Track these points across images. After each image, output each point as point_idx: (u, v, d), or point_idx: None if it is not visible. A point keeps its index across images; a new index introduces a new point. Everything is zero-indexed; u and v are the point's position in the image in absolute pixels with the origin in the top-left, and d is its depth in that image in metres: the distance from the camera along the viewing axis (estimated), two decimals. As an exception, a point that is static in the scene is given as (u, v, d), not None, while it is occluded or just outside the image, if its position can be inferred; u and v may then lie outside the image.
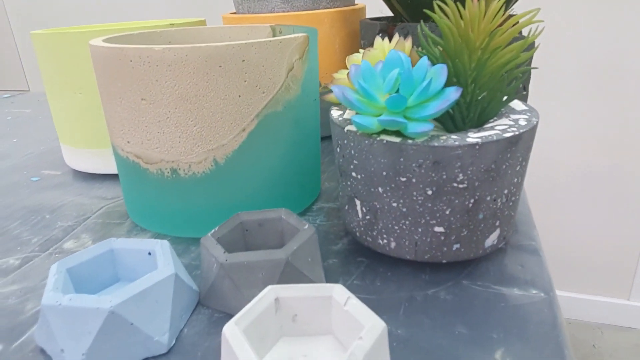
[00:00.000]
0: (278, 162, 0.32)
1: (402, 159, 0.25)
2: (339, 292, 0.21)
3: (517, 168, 0.27)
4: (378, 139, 0.26)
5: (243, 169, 0.31)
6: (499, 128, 0.26)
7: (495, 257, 0.29)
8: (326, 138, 0.54)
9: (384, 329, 0.19)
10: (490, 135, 0.25)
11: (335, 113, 0.30)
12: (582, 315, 1.33)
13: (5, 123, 0.69)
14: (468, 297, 0.26)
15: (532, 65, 1.06)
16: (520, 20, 0.26)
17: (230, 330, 0.19)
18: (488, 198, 0.26)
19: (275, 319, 0.22)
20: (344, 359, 0.18)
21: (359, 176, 0.28)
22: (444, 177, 0.25)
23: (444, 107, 0.25)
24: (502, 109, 0.30)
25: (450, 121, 0.29)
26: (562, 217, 1.23)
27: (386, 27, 0.43)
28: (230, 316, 0.26)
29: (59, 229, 0.36)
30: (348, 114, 0.30)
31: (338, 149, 0.29)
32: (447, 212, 0.26)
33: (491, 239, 0.28)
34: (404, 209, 0.27)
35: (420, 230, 0.27)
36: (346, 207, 0.30)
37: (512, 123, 0.27)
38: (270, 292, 0.22)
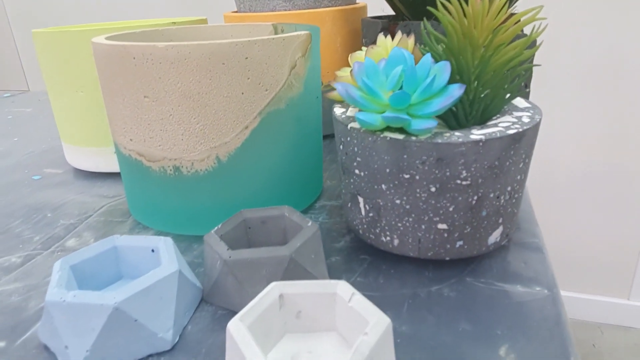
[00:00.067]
0: (280, 160, 0.32)
1: (405, 156, 0.25)
2: (343, 288, 0.21)
3: (521, 165, 0.27)
4: (381, 136, 0.26)
5: (246, 166, 0.31)
6: (503, 125, 0.26)
7: (498, 255, 0.29)
8: (327, 137, 0.54)
9: (389, 324, 0.19)
10: (493, 132, 0.25)
11: (338, 110, 0.30)
12: (582, 315, 1.33)
13: (6, 122, 0.69)
14: (471, 294, 0.26)
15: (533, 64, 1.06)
16: (524, 18, 0.26)
17: (235, 327, 0.19)
18: (491, 195, 0.26)
19: (280, 316, 0.22)
20: (349, 355, 0.18)
21: (362, 173, 0.28)
22: (448, 174, 0.25)
23: (448, 104, 0.25)
24: (505, 107, 0.30)
25: (453, 118, 0.29)
26: (561, 217, 1.23)
27: (388, 26, 0.43)
28: (234, 313, 0.26)
29: (61, 227, 0.36)
30: (351, 112, 0.30)
31: (341, 146, 0.29)
32: (451, 209, 0.26)
33: (494, 236, 0.28)
34: (408, 206, 0.27)
35: (423, 227, 0.27)
36: (349, 205, 0.30)
37: (515, 120, 0.27)
38: (275, 289, 0.22)
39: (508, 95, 0.28)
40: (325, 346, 0.22)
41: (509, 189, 0.27)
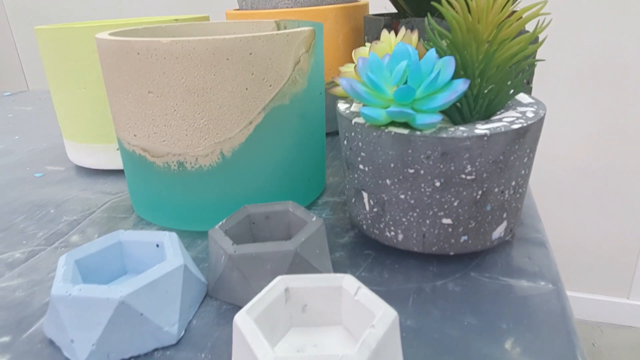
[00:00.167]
0: (284, 156, 0.32)
1: (410, 151, 0.25)
2: (349, 282, 0.21)
3: (525, 160, 0.27)
4: (386, 130, 0.26)
5: (250, 162, 0.31)
6: (507, 120, 0.26)
7: (502, 250, 0.29)
8: (329, 134, 0.54)
9: (396, 317, 0.19)
10: (498, 126, 0.25)
11: (342, 106, 0.30)
12: (581, 314, 1.33)
13: (7, 120, 0.69)
14: (476, 288, 0.26)
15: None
16: (528, 13, 0.26)
17: (242, 319, 0.19)
18: (496, 190, 0.26)
19: (285, 310, 0.22)
20: (357, 347, 0.18)
21: (366, 168, 0.28)
22: (452, 168, 0.25)
23: (452, 99, 0.25)
24: (509, 102, 0.30)
25: (457, 113, 0.29)
26: (561, 216, 1.23)
27: (390, 23, 0.43)
28: (239, 308, 0.26)
29: (64, 223, 0.36)
30: (355, 107, 0.30)
31: (345, 142, 0.29)
32: (455, 204, 0.26)
33: (498, 231, 0.28)
34: (412, 201, 0.27)
35: (428, 222, 0.27)
36: (353, 200, 0.30)
37: (519, 115, 0.27)
38: (280, 283, 0.22)
39: (512, 90, 0.28)
40: (331, 340, 0.22)
41: (513, 183, 0.27)
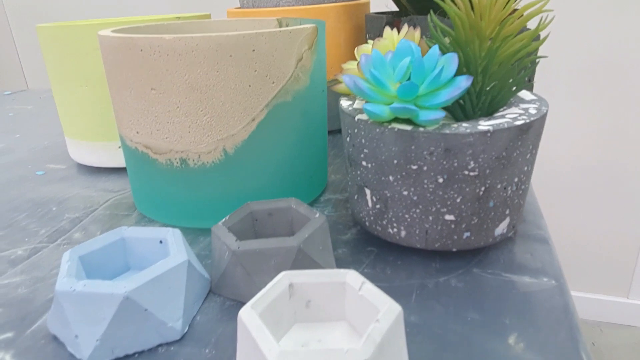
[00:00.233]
0: (287, 153, 0.32)
1: (413, 147, 0.25)
2: (353, 277, 0.21)
3: (528, 156, 0.27)
4: (389, 127, 0.26)
5: (252, 159, 0.31)
6: (510, 116, 0.26)
7: (504, 246, 0.29)
8: (331, 132, 0.54)
9: (400, 312, 0.19)
10: (501, 123, 0.25)
11: (345, 103, 0.30)
12: (581, 313, 1.33)
13: (7, 119, 0.69)
14: (479, 284, 0.26)
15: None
16: (530, 10, 0.26)
17: (247, 314, 0.19)
18: (499, 186, 0.26)
19: (289, 305, 0.22)
20: (362, 341, 0.18)
21: (369, 165, 0.28)
22: (456, 164, 0.25)
23: (455, 95, 0.25)
24: (511, 99, 0.30)
25: (460, 110, 0.29)
26: (560, 215, 1.23)
27: (392, 21, 0.43)
28: (242, 304, 0.26)
29: (66, 221, 0.36)
30: (358, 104, 0.30)
31: (348, 139, 0.29)
32: (458, 200, 0.26)
33: (501, 228, 0.28)
34: (415, 197, 0.27)
35: (431, 218, 0.27)
36: (355, 197, 0.30)
37: (522, 112, 0.27)
38: (284, 278, 0.22)
39: (514, 87, 0.28)
40: (335, 335, 0.22)
41: (516, 180, 0.27)
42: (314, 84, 0.33)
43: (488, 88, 0.28)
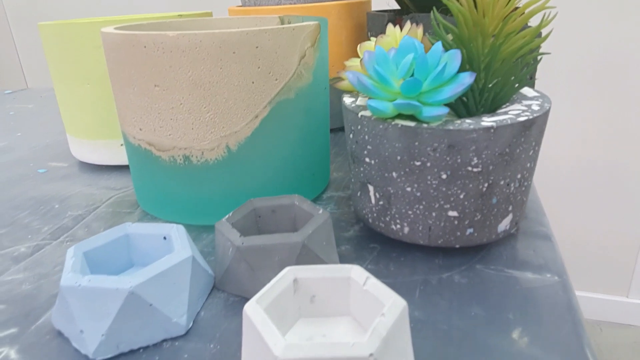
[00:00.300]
0: (290, 150, 0.33)
1: (417, 143, 0.25)
2: (357, 272, 0.22)
3: (530, 153, 0.27)
4: (393, 123, 0.26)
5: (255, 156, 0.31)
6: (513, 113, 0.26)
7: (507, 243, 0.30)
8: (332, 130, 0.54)
9: (405, 306, 0.19)
10: (504, 119, 0.25)
11: (347, 100, 0.30)
12: (581, 312, 1.33)
13: (8, 118, 0.69)
14: (482, 280, 0.26)
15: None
16: (533, 7, 0.27)
17: (252, 309, 0.19)
18: (502, 182, 0.26)
19: (294, 300, 0.22)
20: (367, 335, 0.18)
21: (372, 161, 0.28)
22: (459, 160, 0.25)
23: (459, 92, 0.25)
24: (514, 96, 0.30)
25: (462, 107, 0.29)
26: (560, 214, 1.23)
27: (394, 19, 0.43)
28: (246, 300, 0.26)
29: (69, 218, 0.36)
30: (361, 101, 0.30)
31: (351, 135, 0.29)
32: (461, 197, 0.26)
33: (504, 224, 0.28)
34: (418, 194, 0.27)
35: (434, 214, 0.27)
36: (358, 194, 0.30)
37: (525, 108, 0.27)
38: (289, 273, 0.22)
39: (517, 84, 0.29)
40: (339, 330, 0.22)
41: (519, 176, 0.27)
42: (316, 81, 0.33)
43: (490, 85, 0.28)
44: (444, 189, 0.26)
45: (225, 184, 0.32)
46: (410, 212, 0.28)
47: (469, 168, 0.25)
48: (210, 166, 0.31)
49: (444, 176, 0.26)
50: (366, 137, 0.27)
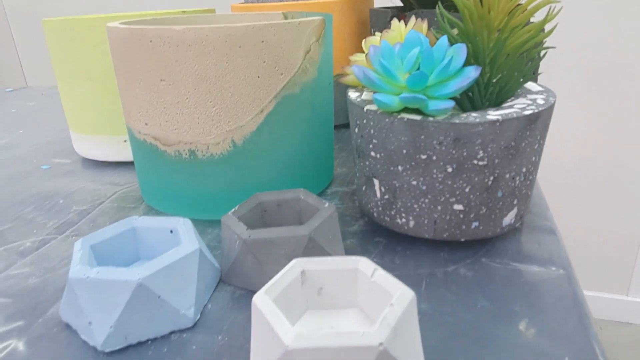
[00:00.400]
0: (295, 145, 0.33)
1: (423, 137, 0.26)
2: (365, 264, 0.22)
3: (536, 146, 0.27)
4: (399, 117, 0.26)
5: (260, 150, 0.31)
6: (518, 106, 0.26)
7: (511, 236, 0.30)
8: (335, 126, 0.54)
9: (413, 297, 0.19)
10: (510, 112, 0.25)
11: (353, 94, 0.30)
12: (581, 310, 1.34)
13: (10, 115, 0.69)
14: (488, 273, 0.26)
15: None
16: (537, 2, 0.27)
17: (261, 300, 0.19)
18: (507, 176, 0.26)
19: (302, 292, 0.22)
20: (377, 324, 0.18)
21: (378, 155, 0.28)
22: (465, 154, 0.25)
23: (464, 85, 0.25)
24: (518, 90, 0.30)
25: (467, 101, 0.29)
26: (559, 213, 1.23)
27: (397, 15, 0.43)
28: (253, 293, 0.26)
29: (74, 213, 0.36)
30: (366, 95, 0.30)
31: (356, 130, 0.29)
32: (467, 190, 0.26)
33: (509, 218, 0.28)
34: (424, 187, 0.27)
35: (439, 208, 0.27)
36: (363, 188, 0.31)
37: (530, 102, 0.27)
38: (297, 265, 0.22)
39: (522, 78, 0.29)
40: (347, 322, 0.22)
41: (524, 170, 0.27)
42: (321, 76, 0.33)
43: (495, 79, 0.28)
44: (449, 182, 0.26)
45: (230, 179, 0.32)
46: (415, 206, 0.28)
47: (475, 161, 0.26)
48: (215, 161, 0.31)
49: (450, 170, 0.26)
50: (372, 131, 0.28)
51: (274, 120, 0.31)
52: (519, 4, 0.27)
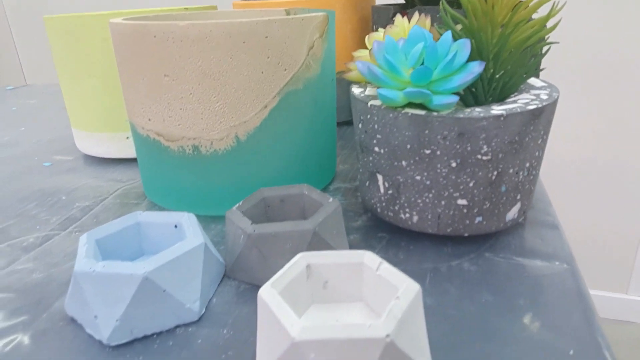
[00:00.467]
0: (298, 140, 0.33)
1: (427, 131, 0.26)
2: (370, 258, 0.22)
3: (539, 141, 0.27)
4: (403, 112, 0.26)
5: (264, 146, 0.31)
6: (522, 101, 0.26)
7: (515, 231, 0.30)
8: (337, 123, 0.54)
9: (419, 290, 0.19)
10: (514, 107, 0.25)
11: (356, 90, 0.30)
12: (581, 309, 1.34)
13: (11, 113, 0.69)
14: (491, 268, 0.26)
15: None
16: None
17: (267, 293, 0.20)
18: (511, 170, 0.27)
19: (307, 286, 0.22)
20: (383, 317, 0.18)
21: (381, 150, 0.28)
22: (469, 149, 0.25)
23: (468, 80, 0.25)
24: (522, 86, 0.30)
25: (470, 97, 0.29)
26: (559, 211, 1.23)
27: (399, 12, 0.43)
28: (257, 287, 0.26)
29: (77, 209, 0.36)
30: (369, 91, 0.30)
31: (360, 125, 0.29)
32: (471, 185, 0.26)
33: (512, 213, 0.28)
34: (428, 182, 0.27)
35: (443, 203, 0.27)
36: (367, 184, 0.31)
37: (533, 97, 0.27)
38: (302, 259, 0.22)
39: (525, 73, 0.29)
40: (352, 315, 0.22)
41: (527, 165, 0.27)
42: (324, 72, 0.33)
43: (498, 75, 0.28)
44: (453, 177, 0.26)
45: (234, 174, 0.32)
46: (419, 201, 0.28)
47: (479, 156, 0.26)
48: (219, 156, 0.31)
49: (454, 164, 0.26)
50: (375, 126, 0.28)
51: (278, 116, 0.31)
52: (522, 0, 0.27)
